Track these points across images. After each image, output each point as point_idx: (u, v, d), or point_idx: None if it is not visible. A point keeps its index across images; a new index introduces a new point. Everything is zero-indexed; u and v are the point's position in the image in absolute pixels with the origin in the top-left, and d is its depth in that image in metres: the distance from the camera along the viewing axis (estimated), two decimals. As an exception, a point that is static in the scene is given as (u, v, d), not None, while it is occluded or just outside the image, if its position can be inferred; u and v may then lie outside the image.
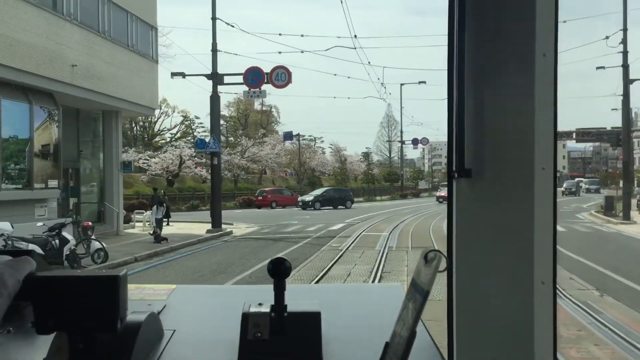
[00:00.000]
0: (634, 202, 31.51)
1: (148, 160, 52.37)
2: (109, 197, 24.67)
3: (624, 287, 11.51)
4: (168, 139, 66.67)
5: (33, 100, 18.92)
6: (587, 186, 76.36)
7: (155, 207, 21.37)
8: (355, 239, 20.61)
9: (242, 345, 1.22)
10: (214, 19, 25.27)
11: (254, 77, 25.42)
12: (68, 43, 20.31)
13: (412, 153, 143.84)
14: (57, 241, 13.95)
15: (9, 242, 12.25)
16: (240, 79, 25.65)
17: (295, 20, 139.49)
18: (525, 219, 1.20)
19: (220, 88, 26.04)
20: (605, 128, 57.43)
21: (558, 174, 1.38)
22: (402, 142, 74.89)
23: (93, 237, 15.44)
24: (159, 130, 68.62)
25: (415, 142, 72.82)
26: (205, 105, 25.82)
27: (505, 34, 1.21)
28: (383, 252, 16.82)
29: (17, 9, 17.66)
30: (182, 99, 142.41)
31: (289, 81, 25.61)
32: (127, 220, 26.73)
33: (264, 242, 21.04)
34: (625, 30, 27.48)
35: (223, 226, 25.65)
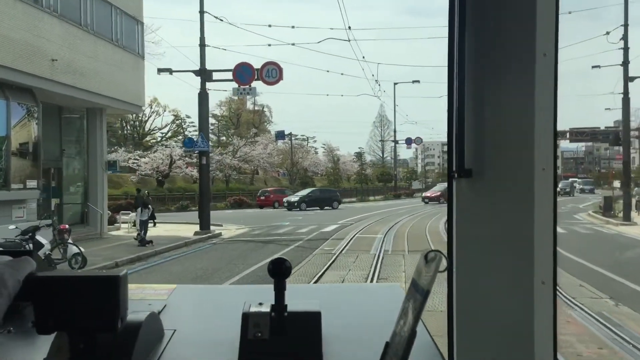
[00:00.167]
0: (632, 202, 30.76)
1: (138, 160, 51.53)
2: (93, 197, 23.73)
3: (638, 295, 10.73)
4: (159, 139, 65.69)
5: (10, 96, 17.99)
6: (581, 186, 76.51)
7: (139, 209, 20.42)
8: (349, 242, 19.74)
9: (243, 345, 1.22)
10: (201, 12, 24.39)
11: (243, 73, 24.47)
12: (48, 36, 19.38)
13: (405, 153, 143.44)
14: (30, 246, 13.01)
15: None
16: (229, 75, 24.71)
17: (286, 14, 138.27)
18: (525, 219, 1.21)
19: (209, 85, 25.16)
20: (599, 128, 57.16)
21: None
22: (396, 142, 73.95)
23: (70, 240, 14.52)
24: (149, 129, 67.60)
25: (408, 141, 72.02)
26: (196, 104, 24.74)
27: (505, 34, 1.21)
28: (378, 256, 15.98)
29: (-8, 0, 16.74)
30: (172, 97, 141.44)
31: (280, 78, 24.65)
32: (112, 221, 25.76)
33: (254, 244, 20.15)
34: (626, 25, 26.77)
35: (212, 227, 24.77)
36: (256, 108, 79.71)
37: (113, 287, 1.09)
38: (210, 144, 61.88)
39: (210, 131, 75.72)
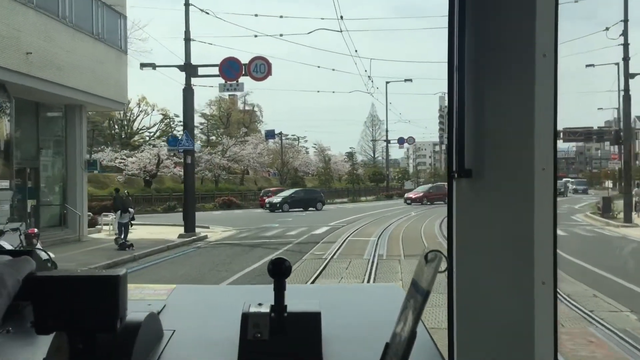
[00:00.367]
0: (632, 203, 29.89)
1: (125, 160, 50.46)
2: (72, 198, 22.61)
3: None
4: (147, 138, 64.49)
5: (-21, 91, 16.89)
6: (574, 186, 76.30)
7: (119, 211, 19.30)
8: (340, 245, 18.71)
9: (242, 345, 1.23)
10: (187, 4, 23.27)
11: (230, 69, 23.33)
12: (22, 28, 18.25)
13: (396, 153, 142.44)
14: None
15: None
16: (216, 70, 23.58)
17: (275, 6, 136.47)
18: (525, 219, 1.21)
19: (195, 81, 24.02)
20: (593, 127, 56.71)
21: None
22: (388, 142, 72.96)
23: (39, 246, 13.39)
24: (138, 129, 66.41)
25: (401, 141, 71.15)
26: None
27: (505, 34, 1.22)
28: (373, 262, 14.97)
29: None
30: (160, 95, 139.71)
31: (268, 73, 23.54)
32: (93, 223, 24.59)
33: (240, 248, 19.07)
34: (626, 21, 25.88)
35: (197, 230, 23.68)
36: (247, 107, 78.77)
37: (112, 287, 1.08)
38: (199, 143, 60.91)
39: (199, 130, 75.03)
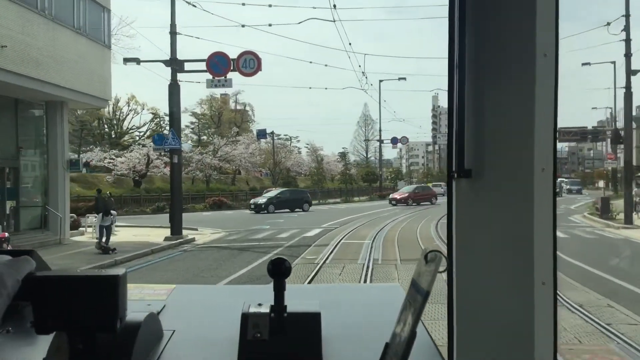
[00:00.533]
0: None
1: (114, 159, 49.48)
2: (54, 199, 21.62)
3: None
4: (137, 138, 63.45)
5: (-50, 86, 15.94)
6: (568, 186, 76.15)
7: (101, 214, 18.36)
8: (333, 249, 17.84)
9: (242, 345, 1.22)
10: (173, -3, 22.32)
11: (218, 64, 22.37)
12: (-4, 20, 17.31)
13: (389, 153, 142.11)
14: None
15: None
16: (203, 65, 22.62)
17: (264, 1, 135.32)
18: (525, 219, 1.20)
19: (181, 77, 23.09)
20: (587, 127, 56.19)
21: None
22: (381, 142, 72.15)
23: (9, 251, 12.48)
24: (127, 128, 65.35)
25: (394, 141, 70.35)
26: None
27: (506, 34, 1.21)
28: (367, 267, 14.12)
29: None
30: (147, 93, 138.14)
31: (258, 68, 22.60)
32: (76, 225, 23.61)
33: (228, 252, 18.16)
34: (627, 16, 25.11)
35: (185, 232, 22.77)
36: (238, 107, 77.87)
37: (112, 287, 1.07)
38: (190, 143, 59.73)
39: (190, 130, 73.87)
